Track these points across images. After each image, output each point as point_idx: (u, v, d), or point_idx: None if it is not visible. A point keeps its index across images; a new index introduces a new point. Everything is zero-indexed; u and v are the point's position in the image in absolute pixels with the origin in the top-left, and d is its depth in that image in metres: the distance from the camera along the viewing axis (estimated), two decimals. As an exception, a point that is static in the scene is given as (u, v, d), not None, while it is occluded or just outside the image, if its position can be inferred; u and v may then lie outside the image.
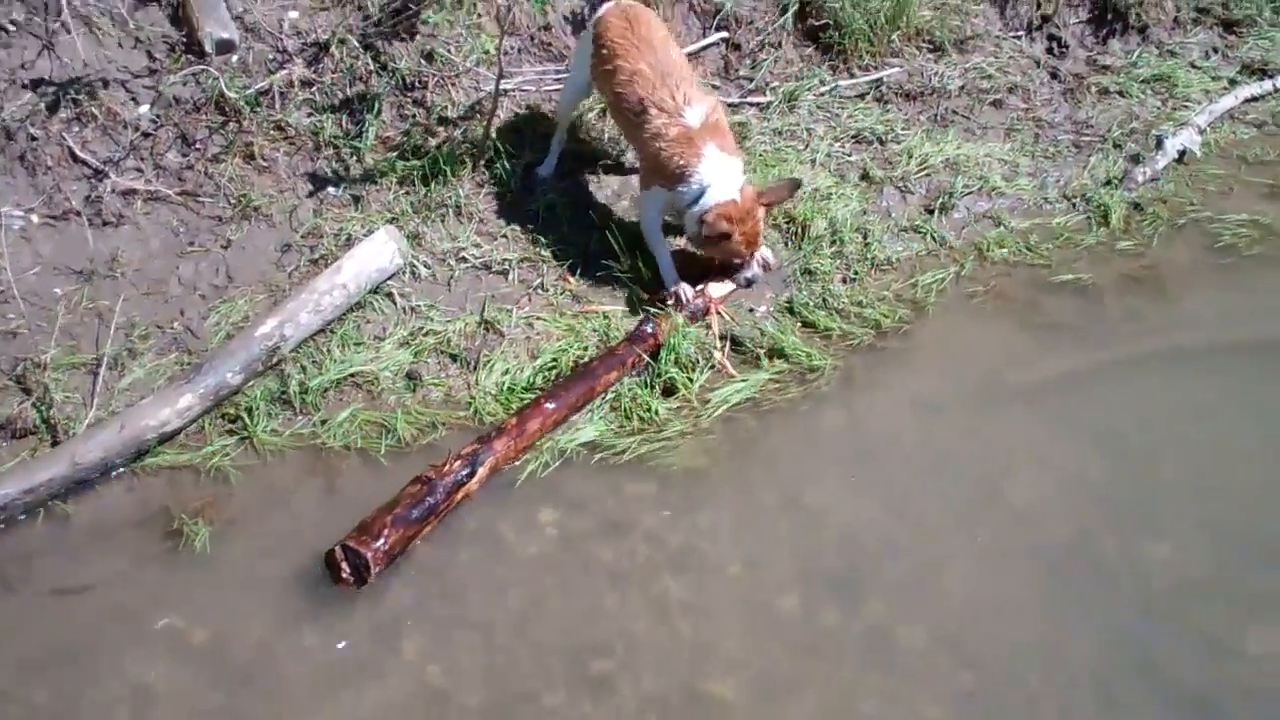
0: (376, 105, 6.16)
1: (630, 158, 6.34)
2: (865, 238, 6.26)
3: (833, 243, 6.18)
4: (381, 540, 4.45)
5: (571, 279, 5.88)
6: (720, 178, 5.48)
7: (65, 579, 4.55)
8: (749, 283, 5.79)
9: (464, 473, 4.73)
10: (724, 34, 7.12)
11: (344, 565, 4.45)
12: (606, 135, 6.53)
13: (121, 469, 4.89)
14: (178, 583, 4.56)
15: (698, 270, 5.81)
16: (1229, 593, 4.73)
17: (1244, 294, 6.22)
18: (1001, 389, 5.58)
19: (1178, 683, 4.41)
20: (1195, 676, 4.43)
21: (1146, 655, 4.49)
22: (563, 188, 6.24)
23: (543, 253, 5.94)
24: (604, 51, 5.70)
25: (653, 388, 5.41)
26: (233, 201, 5.81)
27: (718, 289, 5.77)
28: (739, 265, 5.72)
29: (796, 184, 5.82)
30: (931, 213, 6.51)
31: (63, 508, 4.75)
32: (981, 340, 5.87)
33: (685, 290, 5.66)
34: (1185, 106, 7.48)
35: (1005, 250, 6.35)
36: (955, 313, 5.98)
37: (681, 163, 5.49)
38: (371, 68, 6.22)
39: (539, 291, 5.81)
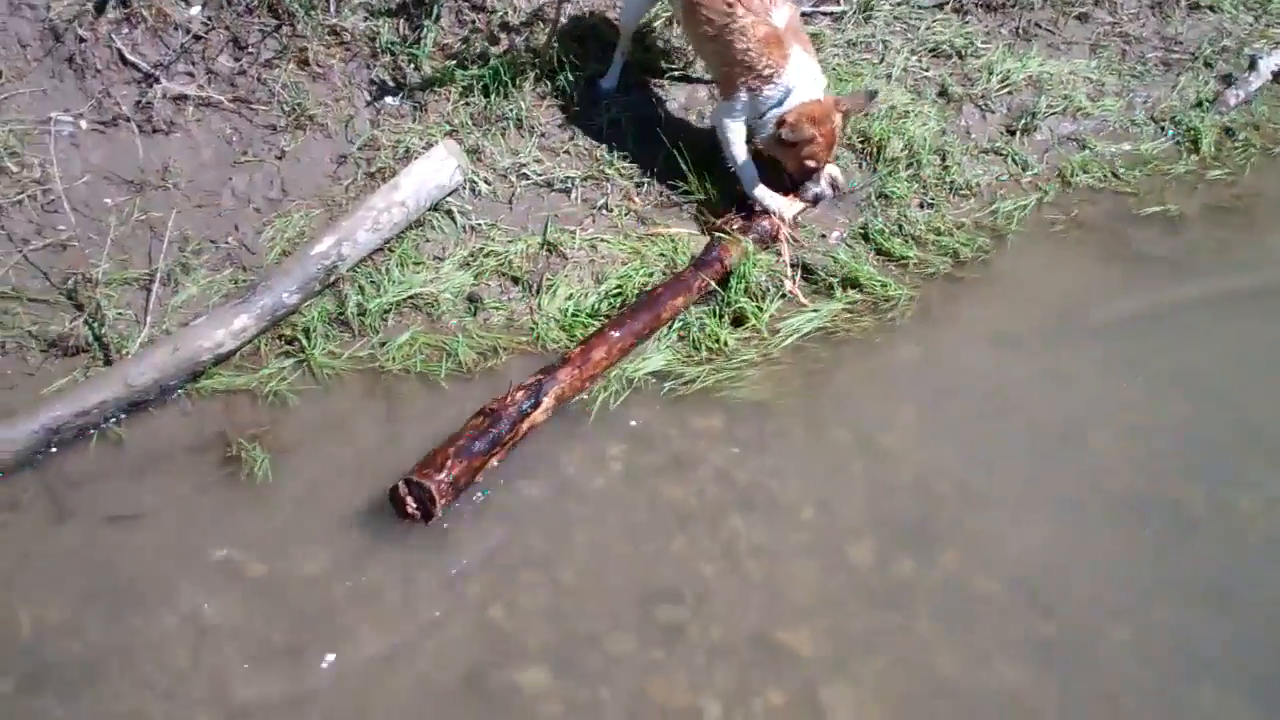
0: (435, 9, 5.88)
1: (699, 68, 6.06)
2: (943, 160, 6.00)
3: (909, 165, 5.92)
4: (445, 473, 4.30)
5: (636, 199, 5.66)
6: (805, 80, 5.30)
7: (119, 506, 4.44)
8: (817, 199, 5.59)
9: (527, 404, 4.57)
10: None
11: (409, 500, 4.31)
12: (674, 45, 6.22)
13: (176, 391, 4.76)
14: (235, 512, 4.45)
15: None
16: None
17: (1338, 229, 5.94)
18: (1083, 325, 5.38)
19: (1270, 645, 4.24)
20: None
21: (1236, 612, 4.32)
22: (627, 102, 5.96)
23: (607, 171, 5.71)
24: None
25: (721, 316, 5.23)
26: (287, 110, 5.59)
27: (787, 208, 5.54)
28: (810, 174, 5.49)
29: (872, 94, 5.61)
30: (1013, 134, 6.23)
31: (116, 431, 4.63)
32: (1063, 273, 5.65)
33: (770, 198, 5.49)
34: (1280, 23, 7.09)
35: (1090, 176, 6.08)
36: (1036, 243, 5.76)
37: (769, 64, 5.26)
38: (429, -32, 5.94)
39: (603, 212, 5.60)
